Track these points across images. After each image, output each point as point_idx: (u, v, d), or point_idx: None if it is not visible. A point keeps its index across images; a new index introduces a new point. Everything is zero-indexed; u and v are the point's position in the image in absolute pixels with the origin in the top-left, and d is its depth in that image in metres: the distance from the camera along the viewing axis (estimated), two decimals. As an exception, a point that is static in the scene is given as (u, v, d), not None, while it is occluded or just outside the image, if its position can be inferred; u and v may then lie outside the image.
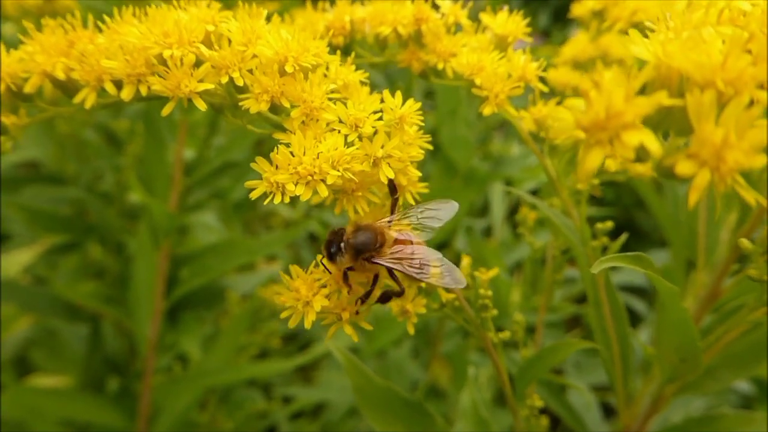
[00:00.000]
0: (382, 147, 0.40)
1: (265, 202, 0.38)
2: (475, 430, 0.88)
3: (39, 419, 1.29)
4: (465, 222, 1.77)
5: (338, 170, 0.38)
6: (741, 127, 0.21)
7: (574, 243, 0.59)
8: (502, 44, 0.55)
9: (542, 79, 0.54)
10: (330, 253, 0.45)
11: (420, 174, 0.45)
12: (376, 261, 0.45)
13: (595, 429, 1.10)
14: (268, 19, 0.47)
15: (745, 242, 0.39)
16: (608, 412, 1.27)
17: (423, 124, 0.46)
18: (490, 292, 0.54)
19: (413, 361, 1.78)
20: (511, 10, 0.56)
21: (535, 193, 1.56)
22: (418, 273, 0.45)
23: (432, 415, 0.68)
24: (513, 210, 2.05)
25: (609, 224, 0.58)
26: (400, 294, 0.47)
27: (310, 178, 0.38)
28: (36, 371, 1.55)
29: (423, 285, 0.48)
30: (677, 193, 0.62)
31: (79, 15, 0.42)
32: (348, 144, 0.40)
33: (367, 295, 0.46)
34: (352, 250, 0.44)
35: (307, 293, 0.45)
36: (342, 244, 0.44)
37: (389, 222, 0.46)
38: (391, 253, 0.45)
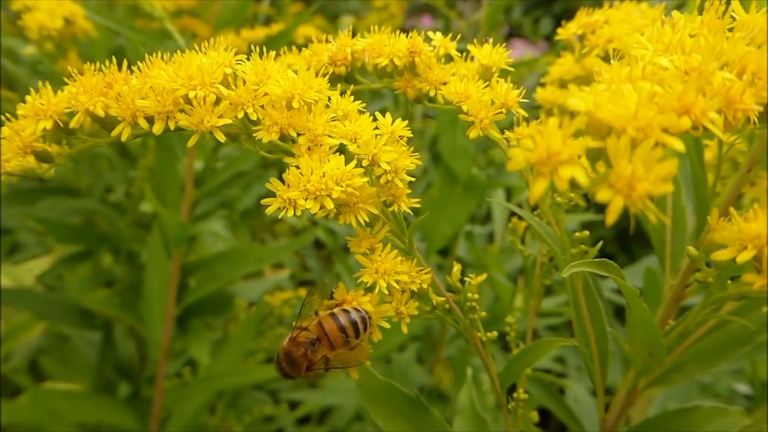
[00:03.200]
0: (376, 147, 0.47)
1: (280, 216, 0.45)
2: (472, 428, 0.93)
3: (56, 423, 1.34)
4: (466, 229, 1.83)
5: (341, 186, 0.45)
6: (649, 163, 0.27)
7: (555, 251, 0.65)
8: (486, 74, 0.61)
9: (523, 104, 0.60)
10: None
11: (409, 191, 0.52)
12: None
13: (591, 425, 1.16)
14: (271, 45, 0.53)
15: (691, 249, 0.45)
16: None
17: (412, 135, 0.53)
18: (477, 296, 0.60)
19: (417, 366, 1.82)
20: (513, 18, 0.63)
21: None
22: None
23: (431, 412, 0.73)
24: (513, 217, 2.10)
25: (585, 233, 0.64)
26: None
27: (318, 194, 0.45)
28: (47, 379, 1.60)
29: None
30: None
31: (115, 59, 0.48)
32: (348, 160, 0.47)
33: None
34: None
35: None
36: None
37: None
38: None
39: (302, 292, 1.63)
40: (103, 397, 1.42)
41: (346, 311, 0.51)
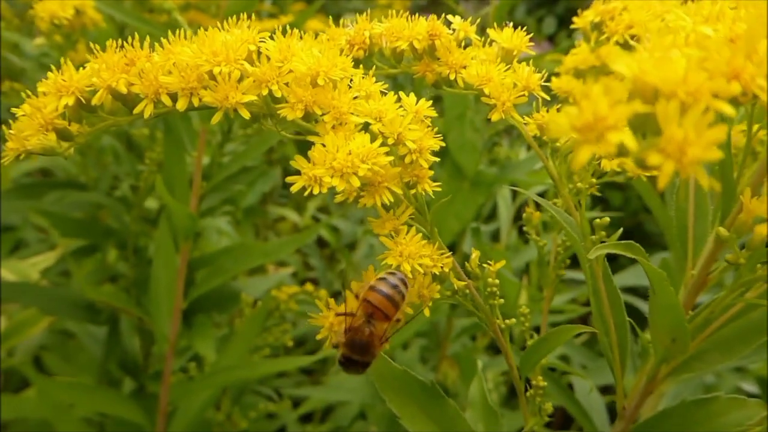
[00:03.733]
0: (401, 126, 0.46)
1: (305, 194, 0.44)
2: (484, 420, 0.93)
3: (62, 418, 1.33)
4: (472, 226, 1.82)
5: (368, 164, 0.45)
6: (699, 128, 0.27)
7: (574, 238, 0.64)
8: (507, 57, 0.61)
9: (545, 88, 0.60)
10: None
11: (432, 172, 0.51)
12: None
13: (600, 423, 1.15)
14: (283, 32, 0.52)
15: (722, 230, 0.45)
16: (614, 414, 1.31)
17: (436, 116, 0.53)
18: (497, 281, 0.59)
19: (422, 364, 1.82)
20: (517, 18, 0.62)
21: (541, 196, 1.61)
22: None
23: (447, 400, 0.73)
24: (520, 215, 2.10)
25: (606, 220, 0.64)
26: None
27: (344, 171, 0.44)
28: (50, 376, 1.59)
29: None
30: (677, 197, 0.66)
31: (137, 37, 0.48)
32: (372, 139, 0.46)
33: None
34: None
35: (338, 327, 0.53)
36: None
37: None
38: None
39: (309, 287, 1.63)
40: (110, 390, 1.41)
41: (382, 279, 0.50)
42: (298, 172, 0.46)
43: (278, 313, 1.70)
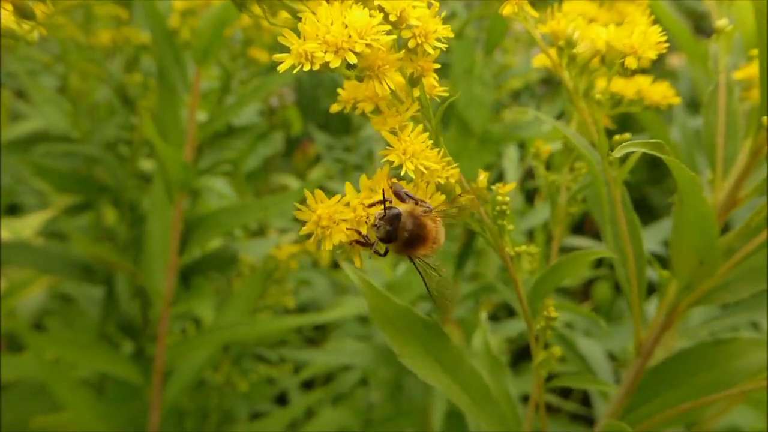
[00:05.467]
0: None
1: (294, 71, 0.39)
2: (488, 369, 0.89)
3: (60, 378, 1.29)
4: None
5: (366, 40, 0.39)
6: None
7: (590, 160, 0.59)
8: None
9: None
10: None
11: (437, 65, 0.46)
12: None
13: (605, 377, 1.11)
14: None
15: (765, 119, 0.39)
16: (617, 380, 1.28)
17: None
18: (508, 199, 0.54)
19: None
20: None
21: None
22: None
23: (449, 337, 0.69)
24: (526, 178, 2.05)
25: (627, 136, 0.58)
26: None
27: (339, 45, 0.39)
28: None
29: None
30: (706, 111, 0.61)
31: None
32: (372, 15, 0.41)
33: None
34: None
35: (327, 222, 0.47)
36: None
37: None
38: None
39: (310, 246, 1.58)
40: (108, 349, 1.38)
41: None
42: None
43: (278, 274, 1.66)
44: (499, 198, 0.54)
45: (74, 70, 1.38)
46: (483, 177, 0.59)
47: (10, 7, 0.40)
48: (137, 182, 1.53)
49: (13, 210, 1.94)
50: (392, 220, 0.45)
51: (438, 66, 0.46)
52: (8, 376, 1.37)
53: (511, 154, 1.97)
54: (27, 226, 1.72)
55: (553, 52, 0.57)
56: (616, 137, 0.58)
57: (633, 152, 0.49)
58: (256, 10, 0.44)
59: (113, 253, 1.36)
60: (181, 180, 1.24)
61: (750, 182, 0.54)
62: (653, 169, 2.63)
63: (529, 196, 2.11)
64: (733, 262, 0.55)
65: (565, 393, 1.91)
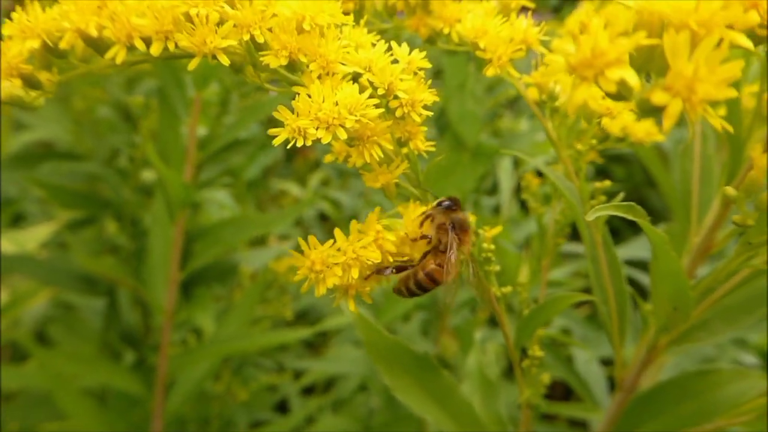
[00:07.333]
0: (392, 75, 0.43)
1: (288, 146, 0.42)
2: (480, 391, 0.91)
3: (63, 388, 1.32)
4: (473, 198, 1.79)
5: (355, 115, 0.42)
6: (712, 63, 0.24)
7: (573, 203, 0.62)
8: (505, 10, 0.57)
9: (544, 44, 0.57)
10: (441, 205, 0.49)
11: (425, 128, 0.48)
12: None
13: (599, 393, 1.14)
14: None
15: (729, 190, 0.42)
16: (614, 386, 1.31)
17: (430, 66, 0.50)
18: (492, 246, 0.57)
19: (423, 337, 1.81)
20: None
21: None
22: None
23: (440, 371, 0.71)
24: (521, 187, 2.07)
25: (607, 183, 0.61)
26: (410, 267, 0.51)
27: (330, 122, 0.42)
28: (54, 347, 1.58)
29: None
30: (682, 160, 0.64)
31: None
32: (362, 90, 0.44)
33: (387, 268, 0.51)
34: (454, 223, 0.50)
35: (321, 266, 0.49)
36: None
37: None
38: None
39: (304, 289, 1.61)
40: (110, 361, 1.41)
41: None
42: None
43: (278, 285, 1.69)
44: (485, 245, 0.57)
45: (76, 92, 1.40)
46: (471, 220, 0.62)
47: (18, 82, 0.42)
48: (139, 197, 1.55)
49: (17, 219, 1.96)
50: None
51: (425, 129, 0.48)
52: (12, 385, 1.40)
53: (505, 164, 1.99)
54: (31, 239, 1.74)
55: (536, 103, 0.59)
56: (597, 184, 0.61)
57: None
58: (249, 74, 0.46)
59: (115, 268, 1.38)
60: (182, 199, 1.26)
61: (725, 227, 0.57)
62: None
63: (524, 203, 2.14)
64: (708, 304, 0.57)
65: (566, 394, 1.93)
